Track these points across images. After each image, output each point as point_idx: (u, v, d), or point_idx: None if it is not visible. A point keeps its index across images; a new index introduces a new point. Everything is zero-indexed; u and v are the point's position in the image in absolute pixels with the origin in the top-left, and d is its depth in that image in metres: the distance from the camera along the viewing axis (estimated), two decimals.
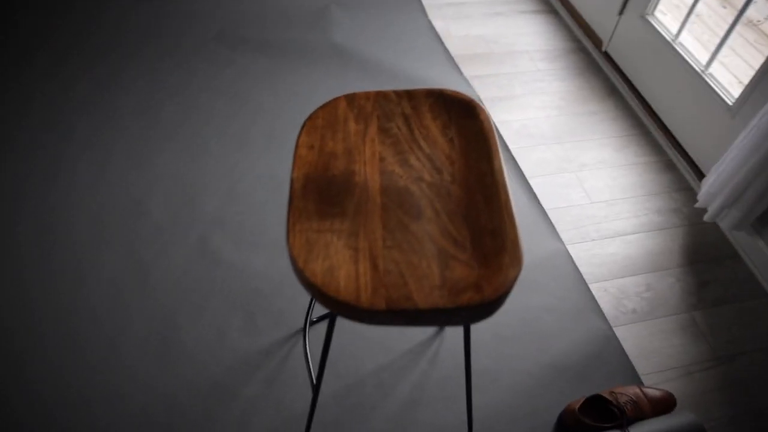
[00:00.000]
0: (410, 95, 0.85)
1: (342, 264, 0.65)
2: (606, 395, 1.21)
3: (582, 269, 1.51)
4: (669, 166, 1.80)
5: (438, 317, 0.61)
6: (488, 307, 0.61)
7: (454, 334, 1.36)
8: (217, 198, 1.58)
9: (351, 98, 0.84)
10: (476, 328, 1.37)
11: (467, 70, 2.08)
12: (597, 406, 1.24)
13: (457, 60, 2.13)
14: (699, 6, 2.14)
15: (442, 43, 2.17)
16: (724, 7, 2.59)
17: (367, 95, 0.84)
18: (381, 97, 0.84)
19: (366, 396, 1.25)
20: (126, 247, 1.45)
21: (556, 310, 1.42)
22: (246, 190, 1.61)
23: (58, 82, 1.85)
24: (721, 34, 2.38)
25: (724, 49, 2.37)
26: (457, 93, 0.85)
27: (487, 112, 0.82)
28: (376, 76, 2.00)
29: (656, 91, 1.88)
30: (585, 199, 1.68)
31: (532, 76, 2.08)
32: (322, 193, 0.72)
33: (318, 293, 0.63)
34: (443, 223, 0.69)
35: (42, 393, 1.20)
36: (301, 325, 1.36)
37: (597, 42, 2.16)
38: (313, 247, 0.66)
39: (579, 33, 2.27)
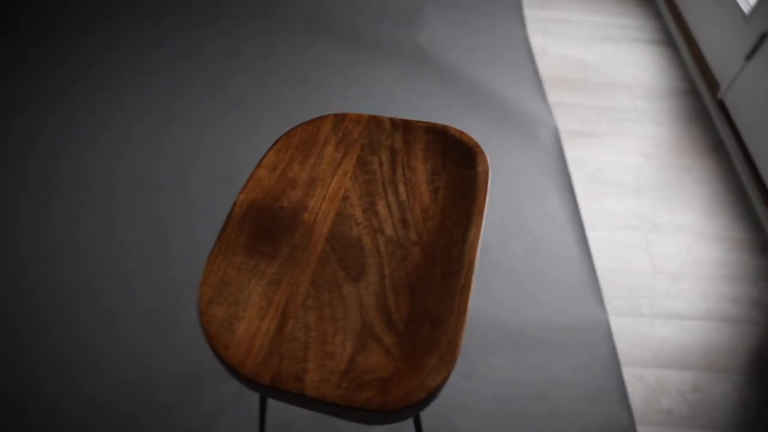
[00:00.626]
0: (407, 127, 0.73)
1: (246, 316, 0.56)
2: None
3: (619, 346, 1.31)
4: (765, 249, 1.51)
5: (327, 410, 0.51)
6: (387, 416, 0.49)
7: (452, 384, 1.23)
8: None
9: (340, 119, 0.74)
10: (477, 385, 1.23)
11: (553, 96, 1.89)
12: None
13: (545, 82, 1.93)
14: None
15: (533, 60, 1.99)
16: None
17: (359, 118, 0.74)
18: (373, 123, 0.74)
19: (338, 428, 1.17)
20: (155, 216, 1.47)
21: (576, 388, 1.24)
22: None
23: (143, 45, 1.91)
24: None
25: None
26: (462, 134, 0.72)
27: (488, 164, 0.69)
28: (451, 84, 1.87)
29: None
30: (647, 266, 1.46)
31: (625, 115, 1.84)
32: (261, 227, 0.63)
33: (208, 343, 0.55)
34: (384, 292, 0.58)
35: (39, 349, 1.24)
36: None
37: (713, 86, 1.86)
38: (224, 289, 0.58)
39: (695, 73, 1.97)
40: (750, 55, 1.70)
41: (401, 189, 0.68)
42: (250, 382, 0.52)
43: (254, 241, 0.62)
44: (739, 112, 1.73)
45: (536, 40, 2.09)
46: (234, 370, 0.52)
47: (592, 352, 1.29)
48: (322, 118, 0.74)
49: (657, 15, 2.24)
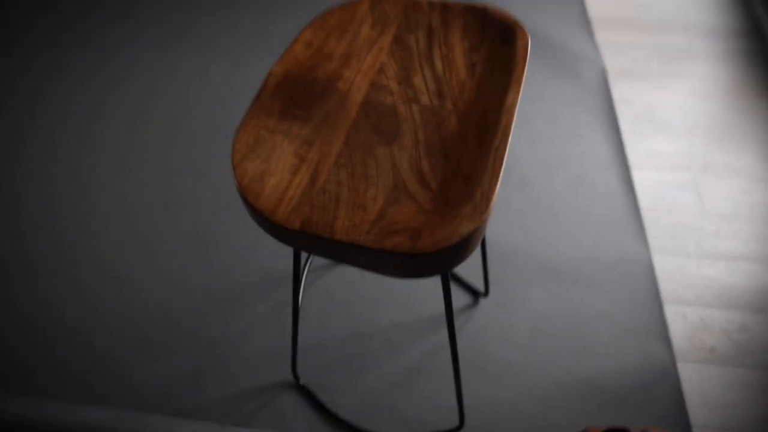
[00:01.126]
0: (445, 7, 0.70)
1: (278, 171, 0.55)
2: (631, 430, 1.00)
3: (662, 284, 1.26)
4: None
5: (356, 256, 0.50)
6: (418, 260, 0.48)
7: (487, 312, 1.21)
8: None
9: (377, 1, 0.72)
10: (513, 315, 1.21)
11: (602, 35, 1.80)
12: None
13: (594, 21, 1.84)
14: None
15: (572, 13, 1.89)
16: None
17: (396, 0, 0.71)
18: (410, 5, 0.71)
19: (372, 348, 1.17)
20: (197, 158, 1.49)
21: (614, 323, 1.20)
22: None
23: (132, 23, 1.92)
24: None
25: None
26: (503, 13, 0.68)
27: (528, 40, 0.65)
28: None
29: None
30: (696, 206, 1.39)
31: (679, 54, 1.74)
32: (295, 94, 0.62)
33: (240, 195, 0.54)
34: (417, 155, 0.56)
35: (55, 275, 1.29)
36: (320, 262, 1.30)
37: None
38: (257, 147, 0.57)
39: (761, 11, 1.84)
40: None
41: (438, 64, 0.65)
42: (281, 228, 0.51)
43: (288, 107, 0.61)
44: None
45: None
46: (265, 218, 0.51)
47: (632, 288, 1.25)
48: (359, 1, 0.72)
49: None
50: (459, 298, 1.23)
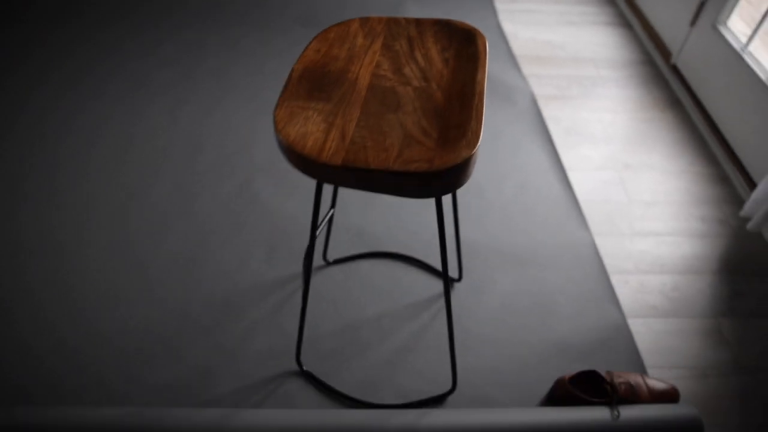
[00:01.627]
0: (419, 22, 0.92)
1: (314, 132, 0.72)
2: (601, 372, 1.17)
3: (605, 260, 1.48)
4: (723, 179, 1.71)
5: (388, 180, 0.66)
6: (436, 176, 0.65)
7: (463, 294, 1.37)
8: (268, 149, 1.71)
9: (365, 20, 0.92)
10: (485, 296, 1.38)
11: (527, 69, 2.11)
12: (591, 382, 1.20)
13: (519, 59, 2.16)
14: None
15: (506, 42, 2.22)
16: None
17: (380, 19, 0.92)
18: (392, 21, 0.92)
19: (363, 336, 1.30)
20: (179, 178, 1.61)
21: (570, 294, 1.39)
22: None
23: (149, 41, 2.09)
24: None
25: None
26: (464, 23, 0.90)
27: (486, 41, 0.87)
28: None
29: (720, 103, 1.81)
30: (623, 197, 1.64)
31: (592, 81, 2.07)
32: (314, 82, 0.80)
33: (287, 150, 0.70)
34: (417, 117, 0.75)
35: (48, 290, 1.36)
36: (320, 263, 1.43)
37: (666, 55, 2.11)
38: (293, 118, 0.74)
39: (649, 46, 2.23)
40: (694, 21, 1.95)
41: (420, 60, 0.85)
42: (325, 167, 0.67)
43: (311, 92, 0.78)
44: (690, 70, 1.97)
45: (507, 27, 2.33)
46: (312, 161, 0.68)
47: (581, 265, 1.46)
48: (349, 20, 0.92)
49: (611, 1, 2.51)
50: (437, 284, 1.39)
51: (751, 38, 1.71)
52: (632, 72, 2.12)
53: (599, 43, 2.26)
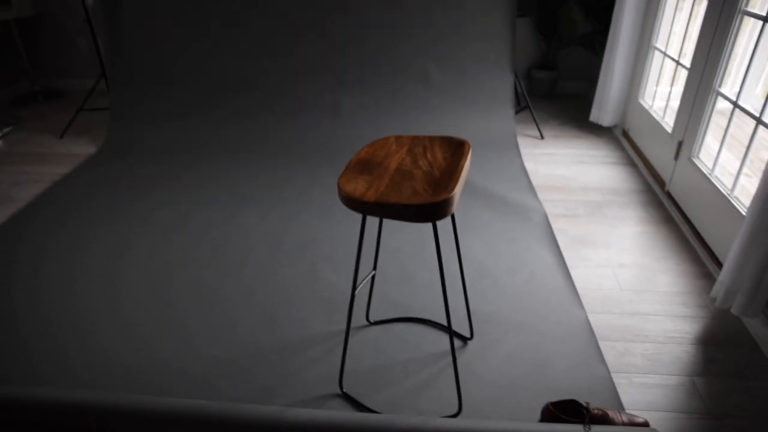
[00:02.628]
0: (431, 138, 1.47)
1: (359, 187, 1.23)
2: (580, 401, 1.45)
3: (596, 331, 1.80)
4: (706, 275, 2.03)
5: (403, 209, 1.15)
6: (430, 205, 1.13)
7: (474, 350, 1.72)
8: (328, 245, 2.24)
9: (399, 137, 1.48)
10: (491, 351, 1.72)
11: (543, 195, 2.61)
12: (573, 411, 1.48)
13: (537, 188, 2.67)
14: (744, 136, 2.46)
15: (527, 175, 2.76)
16: None
17: (406, 136, 1.48)
18: (414, 137, 1.47)
19: (393, 373, 1.66)
20: (264, 264, 2.14)
21: (564, 354, 1.71)
22: (350, 246, 2.25)
23: (251, 173, 2.80)
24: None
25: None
26: (459, 138, 1.45)
27: (470, 146, 1.40)
28: (471, 192, 2.62)
29: (702, 216, 2.20)
30: (616, 287, 1.99)
31: (597, 204, 2.52)
32: (362, 166, 1.33)
33: (345, 196, 1.21)
34: (422, 184, 1.25)
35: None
36: (363, 323, 1.85)
37: (662, 183, 2.56)
38: (348, 182, 1.26)
39: (650, 179, 2.69)
40: (676, 156, 2.43)
41: (429, 157, 1.38)
42: (364, 203, 1.17)
43: (361, 171, 1.32)
44: (680, 194, 2.39)
45: (529, 165, 2.89)
46: (356, 199, 1.18)
47: (575, 333, 1.78)
48: (387, 137, 1.49)
49: (619, 146, 3.05)
50: (456, 342, 1.76)
51: (714, 164, 2.15)
52: (633, 198, 2.56)
53: (606, 177, 2.76)
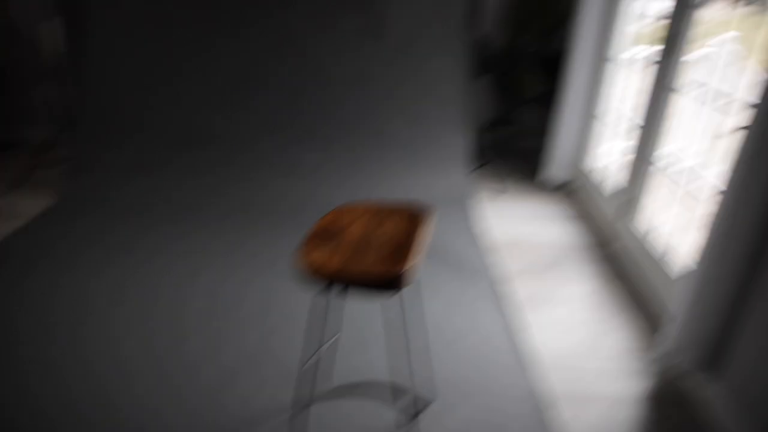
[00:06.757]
0: (393, 206, 1.52)
1: (322, 257, 1.26)
2: None
3: (551, 392, 1.84)
4: (654, 331, 2.12)
5: (363, 279, 1.18)
6: (391, 277, 1.17)
7: (439, 413, 1.73)
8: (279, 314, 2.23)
9: (365, 201, 1.53)
10: (451, 413, 1.73)
11: (498, 252, 2.69)
12: None
13: (494, 245, 2.76)
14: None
15: (481, 234, 2.85)
16: None
17: (373, 202, 1.53)
18: (379, 203, 1.52)
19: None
20: (221, 326, 2.11)
21: (518, 416, 1.73)
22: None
23: (185, 231, 2.78)
24: None
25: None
26: (421, 206, 1.50)
27: (429, 213, 1.45)
28: (426, 251, 2.68)
29: (646, 274, 2.31)
30: (567, 345, 2.05)
31: (553, 260, 2.62)
32: (324, 235, 1.36)
33: (306, 265, 1.23)
34: (383, 253, 1.29)
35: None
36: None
37: (611, 241, 2.69)
38: (310, 252, 1.28)
39: (600, 236, 2.82)
40: (619, 215, 2.57)
41: (390, 224, 1.43)
42: (326, 273, 1.19)
43: (322, 240, 1.34)
44: (626, 253, 2.52)
45: (486, 222, 2.99)
46: (317, 270, 1.20)
47: (526, 398, 1.82)
48: (357, 202, 1.53)
49: (574, 203, 3.20)
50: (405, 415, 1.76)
51: (648, 231, 2.29)
52: (585, 255, 2.68)
53: (560, 233, 2.88)
